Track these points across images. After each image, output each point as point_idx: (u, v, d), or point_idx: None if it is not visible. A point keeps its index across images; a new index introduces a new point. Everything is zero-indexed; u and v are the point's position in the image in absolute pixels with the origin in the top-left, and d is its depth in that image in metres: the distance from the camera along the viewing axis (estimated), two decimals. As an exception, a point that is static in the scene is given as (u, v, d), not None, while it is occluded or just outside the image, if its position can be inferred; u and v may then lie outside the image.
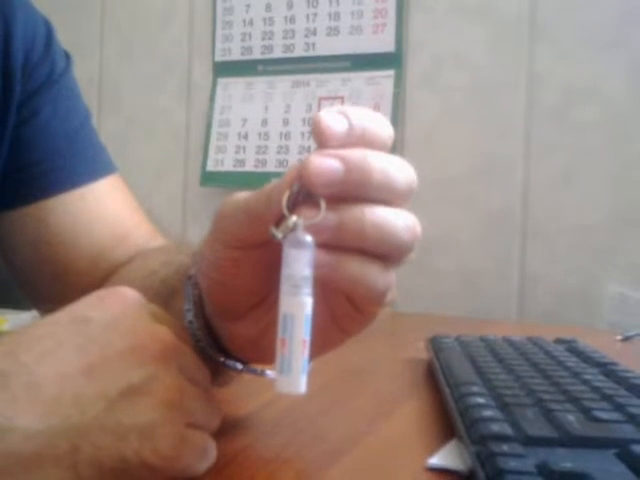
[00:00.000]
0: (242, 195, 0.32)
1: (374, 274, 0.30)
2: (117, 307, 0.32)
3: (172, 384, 0.30)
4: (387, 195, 0.30)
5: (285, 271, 0.29)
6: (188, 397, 0.31)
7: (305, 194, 0.29)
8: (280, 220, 0.29)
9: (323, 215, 0.29)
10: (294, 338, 0.29)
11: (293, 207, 0.29)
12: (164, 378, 0.30)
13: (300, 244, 0.29)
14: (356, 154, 0.29)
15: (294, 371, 0.29)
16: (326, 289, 0.31)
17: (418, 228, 0.31)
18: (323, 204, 0.29)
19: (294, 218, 0.29)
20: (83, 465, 0.27)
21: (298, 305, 0.29)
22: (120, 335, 0.30)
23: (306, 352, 0.29)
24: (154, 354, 0.30)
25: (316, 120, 0.29)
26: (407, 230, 0.30)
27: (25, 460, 0.27)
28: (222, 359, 0.38)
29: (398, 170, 0.30)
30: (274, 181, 0.30)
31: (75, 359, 0.29)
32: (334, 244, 0.29)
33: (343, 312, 0.33)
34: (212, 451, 0.31)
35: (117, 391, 0.29)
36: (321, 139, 0.29)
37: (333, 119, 0.29)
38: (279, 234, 0.29)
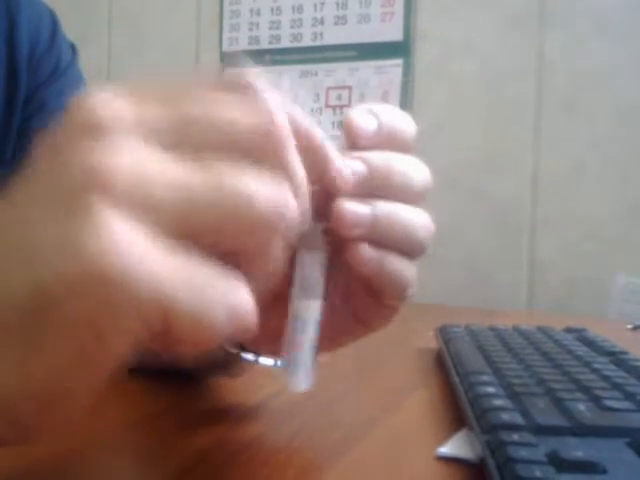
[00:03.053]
0: None
1: (406, 269, 0.31)
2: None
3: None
4: (405, 195, 0.31)
5: (298, 273, 0.29)
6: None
7: (326, 196, 0.29)
8: None
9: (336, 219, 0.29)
10: (305, 339, 0.29)
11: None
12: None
13: (314, 247, 0.29)
14: (380, 158, 0.30)
15: (303, 370, 0.29)
16: (347, 287, 0.32)
17: (432, 227, 0.32)
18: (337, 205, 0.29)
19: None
20: None
21: (309, 308, 0.29)
22: None
23: (314, 352, 0.29)
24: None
25: (348, 120, 0.30)
26: (424, 229, 0.31)
27: None
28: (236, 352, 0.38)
29: (416, 172, 0.31)
30: None
31: None
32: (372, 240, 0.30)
33: (366, 307, 0.33)
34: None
35: None
36: (353, 139, 0.30)
37: (364, 119, 0.31)
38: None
